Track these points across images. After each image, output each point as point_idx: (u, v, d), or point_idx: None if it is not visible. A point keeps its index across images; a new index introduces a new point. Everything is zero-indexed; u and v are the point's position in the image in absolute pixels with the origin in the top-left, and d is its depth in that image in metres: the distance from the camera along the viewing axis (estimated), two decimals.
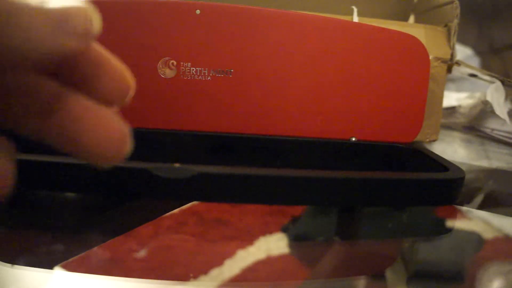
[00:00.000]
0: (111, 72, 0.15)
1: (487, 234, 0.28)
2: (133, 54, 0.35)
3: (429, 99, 0.40)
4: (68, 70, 0.15)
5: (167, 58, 0.35)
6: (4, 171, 0.13)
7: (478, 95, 0.60)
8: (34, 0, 0.12)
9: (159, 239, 0.26)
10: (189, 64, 0.35)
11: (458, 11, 0.45)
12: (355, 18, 0.45)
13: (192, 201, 0.30)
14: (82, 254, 0.23)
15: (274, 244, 0.25)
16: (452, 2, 0.46)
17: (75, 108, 0.14)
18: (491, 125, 0.56)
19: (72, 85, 0.15)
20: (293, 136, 0.38)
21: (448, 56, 0.45)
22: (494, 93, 0.50)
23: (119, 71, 0.15)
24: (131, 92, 0.16)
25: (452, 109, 0.61)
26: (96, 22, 0.14)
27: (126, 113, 0.17)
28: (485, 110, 0.56)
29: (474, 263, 0.25)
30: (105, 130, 0.14)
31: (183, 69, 0.35)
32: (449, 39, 0.46)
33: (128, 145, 0.15)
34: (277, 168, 0.28)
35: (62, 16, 0.12)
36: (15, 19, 0.11)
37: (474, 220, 0.30)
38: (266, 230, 0.27)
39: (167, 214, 0.28)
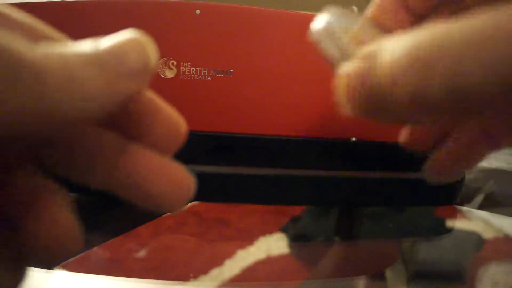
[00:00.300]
0: (164, 119, 0.14)
1: (487, 234, 0.28)
2: None
3: None
4: (123, 119, 0.14)
5: (167, 58, 0.35)
6: (71, 226, 0.12)
7: None
8: (87, 45, 0.12)
9: (159, 239, 0.25)
10: (189, 64, 0.35)
11: None
12: None
13: (192, 201, 0.30)
14: (82, 254, 0.23)
15: (274, 244, 0.25)
16: None
17: (140, 159, 0.13)
18: None
19: (127, 135, 0.14)
20: (293, 136, 0.38)
21: None
22: None
23: (172, 117, 0.15)
24: (184, 139, 0.15)
25: None
26: (152, 52, 0.13)
27: None
28: None
29: (474, 263, 0.25)
30: (171, 179, 0.14)
31: (183, 69, 0.35)
32: None
33: (193, 191, 0.14)
34: (277, 168, 0.28)
35: (117, 57, 0.12)
36: (71, 77, 0.10)
37: (474, 220, 0.30)
38: (266, 230, 0.27)
39: (167, 214, 0.28)
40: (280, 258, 0.24)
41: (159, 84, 0.35)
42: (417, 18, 0.15)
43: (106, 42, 0.12)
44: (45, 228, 0.11)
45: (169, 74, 0.35)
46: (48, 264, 0.12)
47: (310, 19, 0.40)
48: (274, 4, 0.40)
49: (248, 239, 0.26)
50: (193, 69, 0.35)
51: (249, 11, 0.36)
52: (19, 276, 0.11)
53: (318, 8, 0.48)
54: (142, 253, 0.24)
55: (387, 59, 0.12)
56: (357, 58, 0.13)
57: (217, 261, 0.23)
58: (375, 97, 0.12)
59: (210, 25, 0.35)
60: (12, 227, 0.11)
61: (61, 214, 0.12)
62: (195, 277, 0.22)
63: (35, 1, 0.35)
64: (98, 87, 0.11)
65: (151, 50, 0.13)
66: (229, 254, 0.24)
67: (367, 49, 0.13)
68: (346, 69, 0.13)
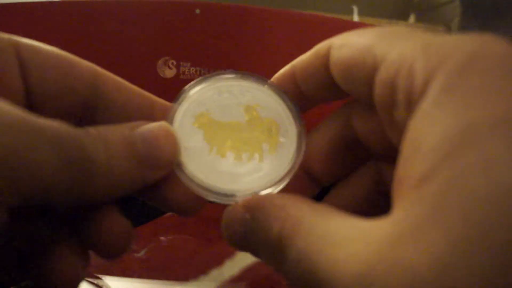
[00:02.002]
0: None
1: None
2: (133, 53, 0.35)
3: None
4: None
5: (166, 57, 0.35)
6: (124, 225, 0.14)
7: None
8: (123, 128, 0.13)
9: (159, 239, 0.25)
10: (189, 63, 0.35)
11: (459, 10, 0.45)
12: (356, 18, 0.44)
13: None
14: None
15: None
16: (452, 2, 0.46)
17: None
18: None
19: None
20: None
21: None
22: None
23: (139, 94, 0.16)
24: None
25: None
26: (177, 145, 0.14)
27: None
28: None
29: None
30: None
31: (182, 69, 0.35)
32: None
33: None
34: None
35: (148, 150, 0.13)
36: (111, 166, 0.13)
37: None
38: None
39: (167, 214, 0.28)
40: None
41: (158, 84, 0.35)
42: (308, 99, 0.16)
43: (142, 129, 0.14)
44: (103, 228, 0.14)
45: (169, 74, 0.35)
46: (108, 255, 0.14)
47: (310, 18, 0.40)
48: (274, 4, 0.40)
49: None
50: (192, 69, 0.35)
51: (249, 10, 0.36)
52: (87, 261, 0.14)
53: (319, 8, 0.47)
54: (142, 253, 0.24)
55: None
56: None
57: (217, 261, 0.23)
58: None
59: (210, 24, 0.35)
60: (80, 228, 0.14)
61: (115, 218, 0.14)
62: (195, 277, 0.22)
63: (36, 1, 0.34)
64: (125, 173, 0.13)
65: (177, 143, 0.14)
66: (229, 254, 0.24)
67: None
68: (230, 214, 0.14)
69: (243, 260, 0.23)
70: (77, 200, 0.12)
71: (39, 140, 0.11)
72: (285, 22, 0.36)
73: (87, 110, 0.15)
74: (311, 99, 0.16)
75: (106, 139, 0.13)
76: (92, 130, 0.13)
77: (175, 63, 0.35)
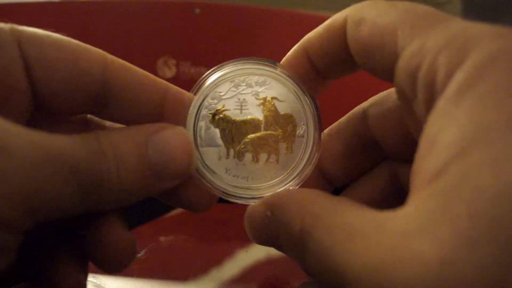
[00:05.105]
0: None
1: None
2: (132, 53, 0.35)
3: None
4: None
5: (166, 57, 0.35)
6: (126, 237, 0.14)
7: None
8: (138, 136, 0.13)
9: (159, 239, 0.25)
10: (189, 63, 0.35)
11: (459, 10, 0.45)
12: None
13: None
14: None
15: None
16: (452, 2, 0.46)
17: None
18: None
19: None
20: None
21: None
22: None
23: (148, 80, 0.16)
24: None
25: None
26: (194, 155, 0.14)
27: None
28: None
29: None
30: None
31: (182, 68, 0.35)
32: None
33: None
34: None
35: (163, 163, 0.13)
36: (115, 180, 0.12)
37: None
38: None
39: (167, 214, 0.28)
40: (280, 258, 0.24)
41: None
42: (320, 77, 0.15)
43: (158, 138, 0.13)
44: (106, 239, 0.14)
45: (169, 73, 0.35)
46: (110, 269, 0.14)
47: (310, 18, 0.40)
48: (274, 3, 0.40)
49: (248, 239, 0.26)
50: (192, 69, 0.35)
51: (249, 10, 0.36)
52: (86, 273, 0.14)
53: (319, 7, 0.47)
54: (142, 253, 0.24)
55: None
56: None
57: (217, 261, 0.23)
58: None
59: (210, 24, 0.35)
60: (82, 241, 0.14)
61: (118, 231, 0.14)
62: (195, 277, 0.22)
63: (36, 1, 0.34)
64: (139, 186, 0.13)
65: (193, 151, 0.14)
66: (229, 254, 0.24)
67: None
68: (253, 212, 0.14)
69: (243, 260, 0.23)
70: (84, 212, 0.13)
71: (56, 171, 0.11)
72: (285, 22, 0.36)
73: (97, 104, 0.14)
74: (327, 75, 0.15)
75: (120, 154, 0.13)
76: (105, 144, 0.12)
77: (175, 62, 0.35)
